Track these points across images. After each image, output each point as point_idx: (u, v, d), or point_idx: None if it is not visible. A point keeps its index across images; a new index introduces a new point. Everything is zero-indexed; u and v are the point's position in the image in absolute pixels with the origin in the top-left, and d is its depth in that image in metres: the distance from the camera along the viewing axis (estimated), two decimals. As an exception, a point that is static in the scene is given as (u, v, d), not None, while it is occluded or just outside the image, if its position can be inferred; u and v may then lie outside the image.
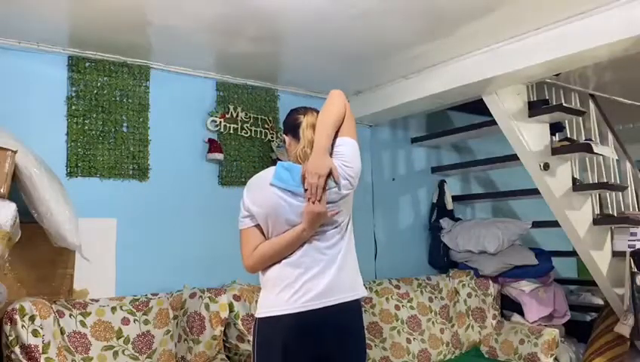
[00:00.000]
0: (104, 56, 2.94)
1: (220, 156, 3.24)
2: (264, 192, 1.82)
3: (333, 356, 1.80)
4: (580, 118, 3.53)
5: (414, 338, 3.38)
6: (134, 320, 2.57)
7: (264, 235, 1.84)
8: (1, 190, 2.14)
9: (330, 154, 1.86)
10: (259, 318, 1.83)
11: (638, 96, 4.01)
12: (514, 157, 3.38)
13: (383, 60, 3.11)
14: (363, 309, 3.18)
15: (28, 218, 2.29)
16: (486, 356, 3.60)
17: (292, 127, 1.96)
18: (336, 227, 1.86)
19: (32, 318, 2.14)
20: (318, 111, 1.97)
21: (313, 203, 1.77)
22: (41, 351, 2.13)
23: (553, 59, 2.65)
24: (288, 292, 1.78)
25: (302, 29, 2.64)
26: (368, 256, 3.87)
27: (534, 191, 3.40)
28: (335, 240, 1.85)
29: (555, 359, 3.48)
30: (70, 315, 2.37)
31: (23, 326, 2.12)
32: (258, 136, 3.45)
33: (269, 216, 1.81)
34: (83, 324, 2.39)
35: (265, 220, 1.82)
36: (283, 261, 1.82)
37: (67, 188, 2.60)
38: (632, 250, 3.23)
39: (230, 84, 3.39)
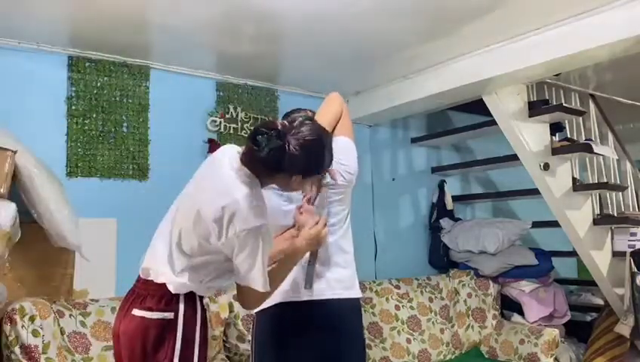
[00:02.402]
0: (104, 56, 2.94)
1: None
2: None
3: (328, 352, 1.80)
4: (580, 118, 3.53)
5: (414, 339, 3.38)
6: (134, 320, 2.56)
7: None
8: (1, 190, 2.14)
9: None
10: (255, 312, 1.86)
11: (638, 96, 4.01)
12: (514, 158, 3.38)
13: (383, 60, 3.11)
14: (363, 309, 3.20)
15: (28, 218, 2.29)
16: (486, 356, 3.60)
17: None
18: (335, 224, 1.86)
19: (32, 318, 2.14)
20: (312, 112, 1.97)
21: (309, 201, 1.77)
22: (41, 351, 2.13)
23: (553, 59, 2.65)
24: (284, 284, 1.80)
25: (302, 29, 2.64)
26: (368, 256, 3.87)
27: (534, 191, 3.40)
28: (336, 237, 1.86)
29: (556, 359, 3.48)
30: (70, 315, 2.36)
31: (22, 326, 2.11)
32: (258, 136, 3.44)
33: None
34: (83, 324, 2.39)
35: None
36: None
37: (67, 188, 2.60)
38: (632, 250, 3.23)
39: (230, 84, 3.39)
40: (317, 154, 1.59)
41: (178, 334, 1.54)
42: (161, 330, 1.54)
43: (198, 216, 1.52)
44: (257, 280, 1.52)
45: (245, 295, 1.59)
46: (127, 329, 1.58)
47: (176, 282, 1.56)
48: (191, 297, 1.59)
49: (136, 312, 1.56)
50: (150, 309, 1.55)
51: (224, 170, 1.57)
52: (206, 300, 2.72)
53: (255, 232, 1.48)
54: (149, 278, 1.59)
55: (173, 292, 1.56)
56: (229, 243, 1.49)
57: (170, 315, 1.54)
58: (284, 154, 1.50)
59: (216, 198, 1.51)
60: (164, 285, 1.56)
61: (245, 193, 1.50)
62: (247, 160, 1.55)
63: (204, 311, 1.66)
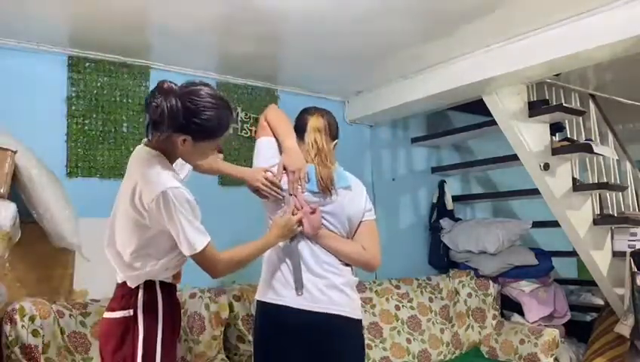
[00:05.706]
0: (104, 57, 2.93)
1: (219, 156, 3.24)
2: None
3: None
4: (580, 118, 3.53)
5: (414, 339, 3.37)
6: (134, 320, 2.56)
7: None
8: (1, 190, 2.14)
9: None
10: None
11: (638, 96, 4.01)
12: (514, 158, 3.38)
13: (383, 60, 3.11)
14: (363, 310, 3.21)
15: (28, 218, 2.29)
16: (486, 356, 3.60)
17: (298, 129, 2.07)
18: None
19: (32, 318, 2.14)
20: (327, 113, 2.06)
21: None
22: (41, 351, 2.13)
23: (553, 59, 2.65)
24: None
25: (302, 30, 2.64)
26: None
27: (534, 191, 3.40)
28: None
29: (556, 359, 3.48)
30: (70, 315, 2.36)
31: (22, 326, 2.11)
32: (258, 136, 3.45)
33: None
34: (83, 324, 2.38)
35: None
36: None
37: (67, 188, 2.60)
38: (632, 250, 3.23)
39: (230, 84, 3.38)
40: (198, 107, 1.66)
41: (139, 329, 1.58)
42: (124, 328, 1.59)
43: (125, 206, 1.62)
44: (193, 241, 1.57)
45: (205, 265, 1.65)
46: (100, 333, 1.67)
47: (130, 274, 1.63)
48: (150, 289, 1.64)
49: (105, 315, 1.66)
50: (113, 309, 1.63)
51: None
52: (201, 296, 2.75)
53: (162, 198, 1.53)
54: (117, 281, 1.69)
55: (132, 286, 1.62)
56: (151, 217, 1.55)
57: (129, 312, 1.60)
58: (165, 109, 1.61)
59: (125, 182, 1.66)
60: (124, 283, 1.64)
61: (143, 170, 1.60)
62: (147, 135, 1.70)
63: (170, 298, 1.69)
